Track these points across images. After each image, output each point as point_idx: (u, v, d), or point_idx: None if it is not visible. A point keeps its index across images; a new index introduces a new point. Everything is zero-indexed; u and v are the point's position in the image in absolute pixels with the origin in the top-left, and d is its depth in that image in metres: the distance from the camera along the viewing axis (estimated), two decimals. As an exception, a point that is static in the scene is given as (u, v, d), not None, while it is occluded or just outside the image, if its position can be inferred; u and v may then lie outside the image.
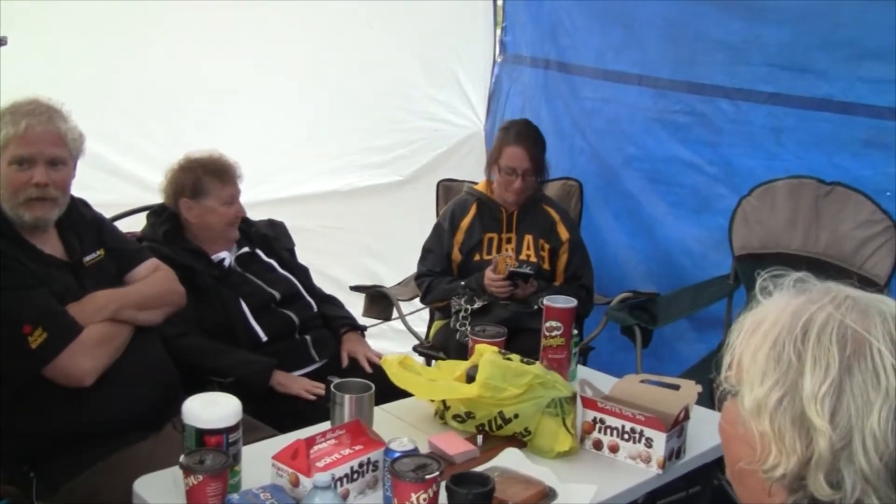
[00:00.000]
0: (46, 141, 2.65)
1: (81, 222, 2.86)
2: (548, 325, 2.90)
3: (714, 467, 2.82)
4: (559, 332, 2.88)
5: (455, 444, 2.40)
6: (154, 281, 2.92)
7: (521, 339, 3.47)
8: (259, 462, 2.22)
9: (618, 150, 4.72)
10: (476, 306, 3.85)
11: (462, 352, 3.24)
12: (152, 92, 4.13)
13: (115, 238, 2.97)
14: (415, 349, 4.12)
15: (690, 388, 2.52)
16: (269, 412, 2.89)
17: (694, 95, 4.39)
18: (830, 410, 1.17)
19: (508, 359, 2.56)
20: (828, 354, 1.19)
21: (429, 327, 4.31)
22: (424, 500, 1.93)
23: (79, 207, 2.88)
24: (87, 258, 2.81)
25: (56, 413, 2.60)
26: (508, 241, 4.07)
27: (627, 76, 4.64)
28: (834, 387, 1.17)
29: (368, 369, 3.26)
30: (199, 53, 4.25)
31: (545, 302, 2.93)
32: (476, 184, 4.32)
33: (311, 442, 2.15)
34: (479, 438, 2.48)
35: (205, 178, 3.30)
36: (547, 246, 4.08)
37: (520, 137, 3.97)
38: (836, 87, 3.89)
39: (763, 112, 4.16)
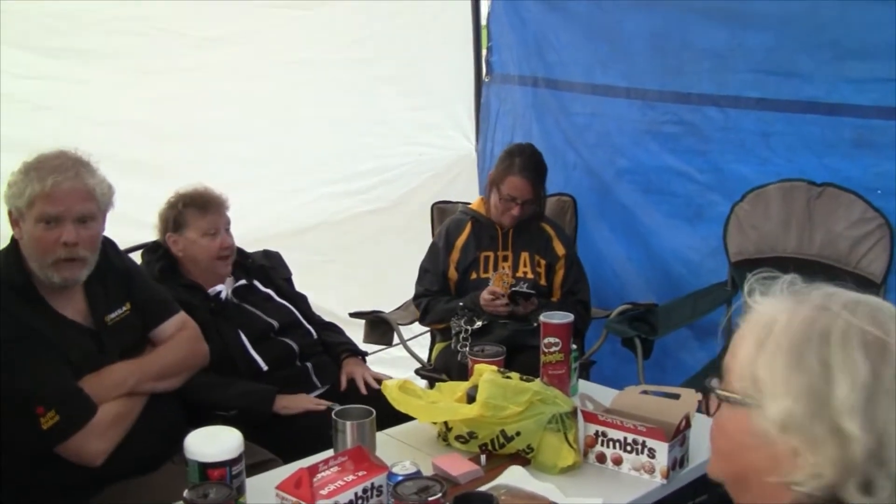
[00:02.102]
0: (74, 198, 2.55)
1: (110, 272, 2.78)
2: (546, 341, 2.90)
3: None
4: (558, 348, 2.89)
5: (459, 465, 2.41)
6: (178, 346, 2.86)
7: (522, 357, 3.48)
8: (264, 492, 2.22)
9: (610, 164, 4.73)
10: (476, 326, 3.87)
11: (464, 373, 3.23)
12: (137, 130, 4.13)
13: (144, 291, 2.89)
14: (417, 372, 4.13)
15: (690, 397, 2.52)
16: (274, 439, 2.89)
17: (682, 105, 4.40)
18: (862, 417, 1.16)
19: (507, 377, 2.57)
20: (854, 361, 1.18)
21: (430, 350, 4.32)
22: (428, 521, 1.94)
23: (109, 255, 2.80)
24: (112, 315, 2.74)
25: (56, 465, 2.57)
26: (505, 258, 4.08)
27: (616, 89, 4.66)
28: (865, 393, 1.17)
29: (364, 391, 3.26)
30: (172, 94, 4.24)
31: (542, 319, 2.94)
32: (469, 204, 4.35)
33: (314, 470, 2.15)
34: (483, 458, 2.49)
35: (185, 210, 3.29)
36: (543, 262, 4.09)
37: (525, 170, 3.99)
38: (821, 88, 3.91)
39: (751, 118, 4.18)
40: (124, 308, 2.78)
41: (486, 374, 2.59)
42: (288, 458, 2.65)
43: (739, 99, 4.21)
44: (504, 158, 4.08)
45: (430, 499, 1.94)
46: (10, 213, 2.62)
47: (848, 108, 3.85)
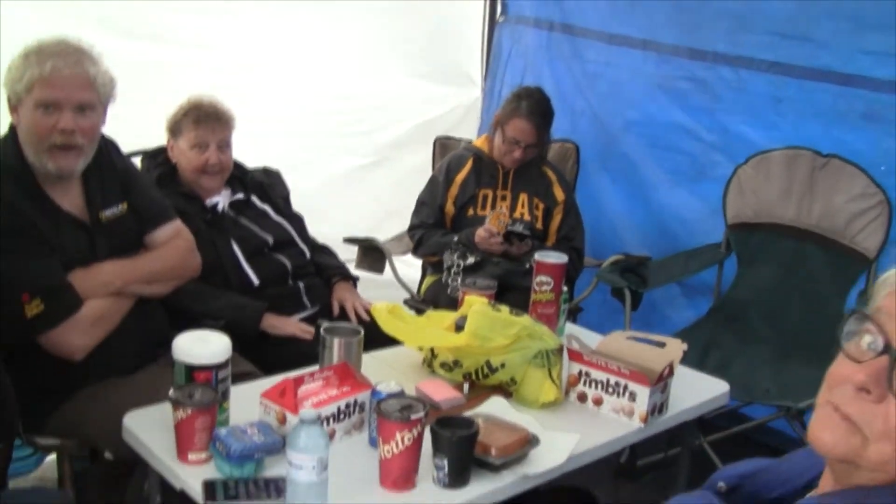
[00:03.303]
0: (74, 84, 2.51)
1: (109, 170, 2.76)
2: (538, 279, 2.91)
3: (693, 428, 2.86)
4: (549, 287, 2.90)
5: (441, 391, 2.43)
6: (169, 253, 2.85)
7: (511, 296, 3.48)
8: (248, 401, 2.25)
9: (618, 114, 4.73)
10: (468, 262, 3.88)
11: (453, 307, 3.24)
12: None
13: (143, 193, 2.87)
14: (406, 303, 4.14)
15: (676, 346, 2.55)
16: (260, 357, 2.91)
17: (696, 62, 4.39)
18: None
19: (497, 310, 2.58)
20: None
21: (420, 282, 4.34)
22: (409, 440, 1.96)
23: (110, 153, 2.77)
24: (107, 212, 2.71)
25: (42, 363, 2.59)
26: (503, 198, 4.09)
27: (632, 40, 4.64)
28: None
29: (354, 320, 3.27)
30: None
31: (536, 257, 2.94)
32: (472, 141, 4.34)
33: (299, 381, 2.18)
34: (466, 386, 2.51)
35: (183, 118, 3.27)
36: (541, 206, 4.10)
37: (531, 114, 3.97)
38: (837, 58, 3.90)
39: (763, 81, 4.17)
40: (121, 207, 2.76)
41: (476, 304, 2.60)
42: (271, 375, 2.67)
43: (753, 61, 4.19)
44: (512, 100, 4.07)
45: (413, 417, 1.96)
46: (8, 99, 2.58)
47: (862, 79, 3.84)
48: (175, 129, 3.29)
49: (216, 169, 3.28)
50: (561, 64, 4.98)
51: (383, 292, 4.00)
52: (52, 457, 3.31)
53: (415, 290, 4.30)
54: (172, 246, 2.88)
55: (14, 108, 2.57)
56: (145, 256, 2.81)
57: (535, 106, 4.00)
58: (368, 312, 3.21)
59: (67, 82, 2.50)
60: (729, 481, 1.48)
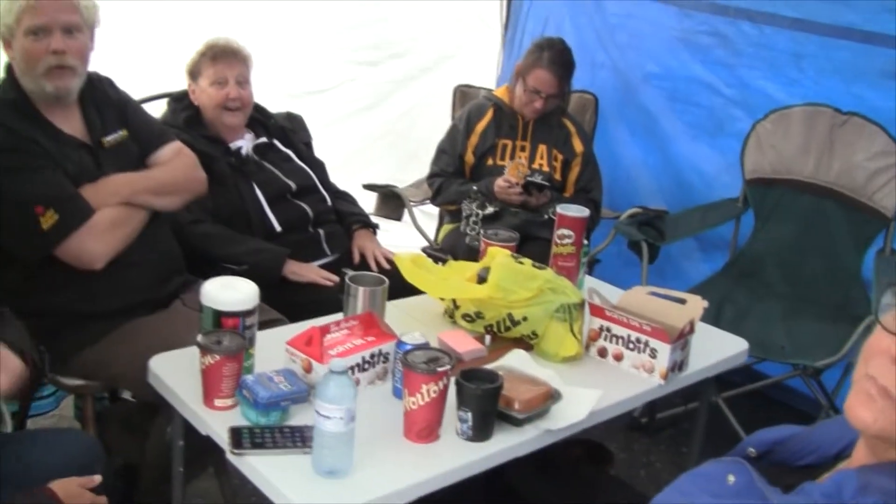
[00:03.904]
0: (59, 9, 2.62)
1: (105, 101, 2.85)
2: (559, 232, 2.92)
3: (711, 385, 2.88)
4: (570, 241, 2.91)
5: (463, 342, 2.44)
6: (174, 167, 2.91)
7: (529, 247, 3.50)
8: (271, 348, 2.26)
9: (638, 67, 4.70)
10: (487, 212, 3.89)
11: (471, 256, 3.26)
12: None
13: (140, 119, 2.95)
14: (423, 251, 4.13)
15: (697, 303, 2.55)
16: (281, 302, 2.92)
17: (718, 16, 4.37)
18: None
19: (520, 262, 2.59)
20: None
21: (437, 230, 4.35)
22: (434, 392, 1.98)
23: (104, 86, 2.87)
24: (108, 138, 2.80)
25: (64, 293, 2.65)
26: (522, 148, 4.09)
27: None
28: None
29: (375, 268, 3.29)
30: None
31: (558, 210, 2.94)
32: (492, 90, 4.33)
33: (324, 330, 2.19)
34: (488, 339, 2.52)
35: (201, 58, 3.33)
36: (560, 157, 4.10)
37: (553, 64, 3.96)
38: (860, 15, 3.87)
39: (785, 37, 4.15)
40: (121, 133, 2.84)
41: (499, 256, 2.60)
42: (291, 321, 2.70)
43: (776, 17, 4.17)
44: (533, 51, 4.05)
45: (439, 369, 1.98)
46: (2, 36, 2.67)
47: (884, 37, 3.81)
48: (195, 70, 3.34)
49: (237, 104, 3.32)
50: (582, 15, 4.95)
51: (399, 239, 4.03)
52: (69, 396, 3.36)
53: (431, 237, 4.31)
54: (177, 161, 2.94)
55: (7, 42, 2.67)
56: (152, 170, 2.88)
57: (556, 56, 3.98)
58: (390, 262, 3.23)
59: (52, 7, 2.61)
60: (759, 447, 1.49)
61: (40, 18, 2.59)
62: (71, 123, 2.74)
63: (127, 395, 3.23)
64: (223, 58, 3.30)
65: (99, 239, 2.62)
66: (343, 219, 3.50)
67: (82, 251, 2.60)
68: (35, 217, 2.52)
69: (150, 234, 2.78)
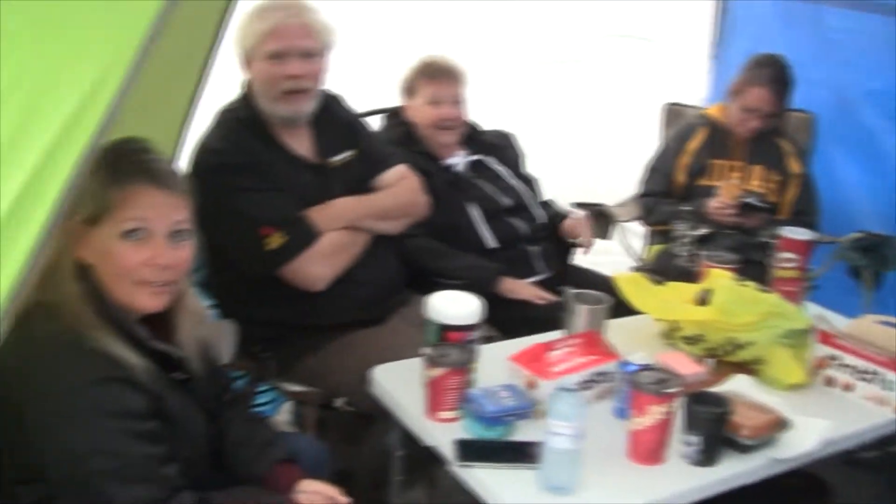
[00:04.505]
0: (298, 34, 2.70)
1: (334, 121, 2.91)
2: (783, 256, 2.85)
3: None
4: (794, 265, 2.83)
5: (684, 365, 2.38)
6: (398, 192, 2.95)
7: (743, 270, 3.41)
8: (490, 362, 2.27)
9: (858, 84, 4.49)
10: (699, 233, 3.81)
11: (681, 277, 3.20)
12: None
13: (369, 140, 3.02)
14: (632, 270, 4.11)
15: (934, 334, 2.43)
16: (492, 318, 2.93)
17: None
18: None
19: (744, 285, 2.53)
20: None
21: (645, 250, 4.29)
22: (662, 414, 1.95)
23: (333, 105, 2.93)
24: (336, 158, 2.86)
25: (288, 306, 2.73)
26: (735, 168, 3.99)
27: (884, 6, 4.40)
28: None
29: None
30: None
31: (783, 232, 2.87)
32: (703, 109, 4.25)
33: (548, 347, 2.19)
34: (710, 362, 2.46)
35: (416, 77, 3.36)
36: (776, 178, 3.98)
37: (771, 82, 3.86)
38: None
39: None
40: (348, 153, 2.91)
41: (722, 279, 2.55)
42: (506, 336, 2.71)
43: None
44: (751, 68, 3.95)
45: (668, 391, 1.95)
46: (240, 57, 2.78)
47: None
48: (410, 88, 3.38)
49: (452, 124, 3.35)
50: (798, 31, 4.77)
51: (607, 258, 3.99)
52: (286, 403, 3.45)
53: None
54: (402, 185, 2.98)
55: (246, 63, 2.77)
56: (377, 194, 2.93)
57: (775, 73, 3.88)
58: (606, 280, 3.19)
59: (292, 32, 2.70)
60: None
61: (281, 43, 2.67)
62: (301, 143, 2.82)
63: (339, 402, 3.31)
64: (440, 77, 3.33)
65: (322, 262, 2.69)
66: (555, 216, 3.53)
67: (306, 274, 2.68)
68: (262, 238, 2.61)
69: (373, 254, 2.83)
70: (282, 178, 2.71)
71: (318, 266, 2.69)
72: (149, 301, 1.84)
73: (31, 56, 1.29)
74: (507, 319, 2.89)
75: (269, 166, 2.71)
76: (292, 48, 2.69)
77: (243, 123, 2.74)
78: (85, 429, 1.70)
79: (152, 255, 1.80)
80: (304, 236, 2.67)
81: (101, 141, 1.29)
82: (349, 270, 2.76)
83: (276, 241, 2.61)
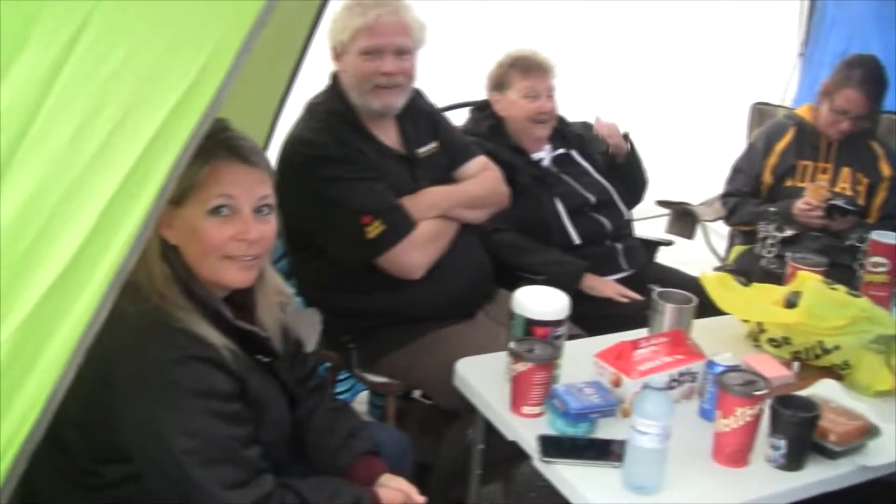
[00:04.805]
0: (394, 32, 2.72)
1: (419, 113, 2.96)
2: (873, 260, 2.81)
3: None
4: (885, 269, 2.79)
5: (771, 367, 2.37)
6: (483, 181, 2.98)
7: (830, 273, 3.36)
8: (573, 358, 2.27)
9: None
10: (785, 235, 3.76)
11: (765, 278, 3.17)
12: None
13: (449, 132, 3.05)
14: (716, 270, 4.07)
15: None
16: (573, 314, 2.94)
17: None
18: None
19: (833, 288, 2.50)
20: None
21: (728, 250, 4.26)
22: (749, 416, 1.94)
23: (417, 98, 2.96)
24: (421, 150, 2.90)
25: (379, 296, 2.77)
26: (824, 170, 3.93)
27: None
28: None
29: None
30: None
31: (873, 236, 2.83)
32: (791, 109, 4.20)
33: (634, 345, 2.18)
34: (796, 365, 2.44)
35: (509, 71, 3.36)
36: (865, 181, 3.91)
37: (864, 83, 3.78)
38: None
39: None
40: (432, 145, 2.95)
41: (810, 282, 2.52)
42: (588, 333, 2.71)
43: None
44: (842, 68, 3.88)
45: (756, 393, 1.94)
46: (333, 48, 2.80)
47: None
48: (501, 82, 3.37)
49: (547, 117, 3.36)
50: (893, 32, 4.70)
51: (690, 257, 3.97)
52: (363, 393, 3.49)
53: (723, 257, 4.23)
54: (484, 175, 3.01)
55: (338, 55, 2.80)
56: (463, 183, 2.96)
57: (868, 75, 3.81)
58: (692, 281, 3.17)
59: (388, 29, 2.72)
60: None
61: (376, 40, 2.70)
62: (389, 135, 2.86)
63: (416, 394, 3.34)
64: (535, 71, 3.34)
65: (420, 250, 2.72)
66: None
67: (405, 261, 2.71)
68: (362, 226, 2.64)
69: (462, 245, 2.85)
70: (377, 168, 2.75)
71: (415, 254, 2.72)
72: (237, 276, 1.87)
73: (141, 43, 1.32)
74: (588, 316, 2.88)
75: (366, 157, 2.74)
76: (387, 45, 2.71)
77: (335, 115, 2.77)
78: (169, 408, 1.72)
79: (240, 230, 1.83)
80: (402, 224, 2.70)
81: (204, 128, 1.31)
82: (440, 261, 2.78)
83: (375, 229, 2.65)
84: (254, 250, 1.87)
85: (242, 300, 1.95)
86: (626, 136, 3.52)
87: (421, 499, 2.01)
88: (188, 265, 1.84)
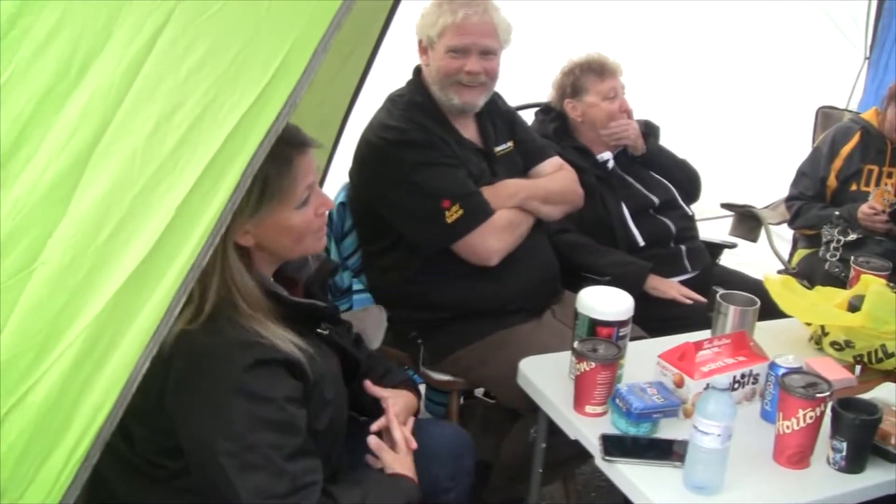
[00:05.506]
0: (481, 32, 2.78)
1: (497, 113, 3.02)
2: (936, 266, 2.81)
3: None
4: (948, 276, 2.79)
5: (832, 370, 2.38)
6: (558, 179, 3.03)
7: (893, 277, 3.36)
8: (636, 359, 2.31)
9: None
10: (849, 238, 3.76)
11: (829, 282, 3.18)
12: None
13: (525, 132, 3.11)
14: (779, 273, 4.07)
15: None
16: (637, 315, 2.97)
17: None
18: None
19: (897, 293, 2.51)
20: None
21: (791, 254, 4.25)
22: (811, 418, 1.96)
23: (495, 98, 3.02)
24: (498, 148, 2.97)
25: (454, 288, 2.81)
26: (889, 175, 3.92)
27: None
28: None
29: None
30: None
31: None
32: (858, 113, 4.18)
33: (698, 346, 2.21)
34: (857, 368, 2.46)
35: (582, 76, 3.39)
36: (931, 187, 3.90)
37: None
38: None
39: None
40: (508, 144, 3.01)
41: (874, 285, 2.53)
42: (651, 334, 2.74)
43: None
44: None
45: (818, 395, 1.96)
46: (420, 42, 2.87)
47: None
48: (576, 87, 3.40)
49: (626, 116, 3.40)
50: (961, 36, 4.68)
51: (753, 260, 3.98)
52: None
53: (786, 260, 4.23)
54: (560, 174, 3.07)
55: (424, 49, 2.86)
56: (540, 179, 3.02)
57: None
58: (756, 284, 3.18)
59: (476, 29, 2.77)
60: None
61: (463, 39, 2.76)
62: (469, 131, 2.93)
63: (478, 393, 3.39)
64: (609, 73, 3.38)
65: (497, 236, 2.77)
66: None
67: (481, 247, 2.76)
68: (442, 210, 2.70)
69: (534, 241, 2.90)
70: (457, 156, 2.81)
71: (493, 240, 2.76)
72: (320, 244, 2.06)
73: (220, 42, 1.37)
74: (651, 317, 2.91)
75: (446, 144, 2.80)
76: (474, 45, 2.77)
77: (417, 106, 2.84)
78: (216, 409, 1.73)
79: (320, 204, 1.99)
80: (481, 210, 2.75)
81: (282, 124, 1.36)
82: (514, 254, 2.82)
83: (454, 214, 2.71)
84: (324, 220, 2.05)
85: (284, 277, 2.06)
86: (646, 135, 3.52)
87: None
88: (252, 262, 1.92)
